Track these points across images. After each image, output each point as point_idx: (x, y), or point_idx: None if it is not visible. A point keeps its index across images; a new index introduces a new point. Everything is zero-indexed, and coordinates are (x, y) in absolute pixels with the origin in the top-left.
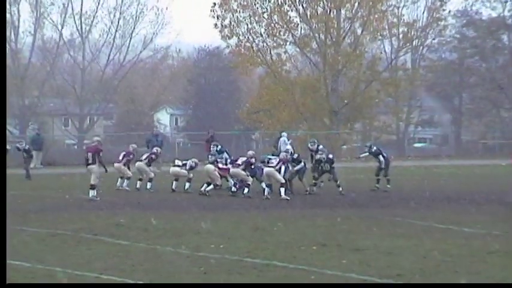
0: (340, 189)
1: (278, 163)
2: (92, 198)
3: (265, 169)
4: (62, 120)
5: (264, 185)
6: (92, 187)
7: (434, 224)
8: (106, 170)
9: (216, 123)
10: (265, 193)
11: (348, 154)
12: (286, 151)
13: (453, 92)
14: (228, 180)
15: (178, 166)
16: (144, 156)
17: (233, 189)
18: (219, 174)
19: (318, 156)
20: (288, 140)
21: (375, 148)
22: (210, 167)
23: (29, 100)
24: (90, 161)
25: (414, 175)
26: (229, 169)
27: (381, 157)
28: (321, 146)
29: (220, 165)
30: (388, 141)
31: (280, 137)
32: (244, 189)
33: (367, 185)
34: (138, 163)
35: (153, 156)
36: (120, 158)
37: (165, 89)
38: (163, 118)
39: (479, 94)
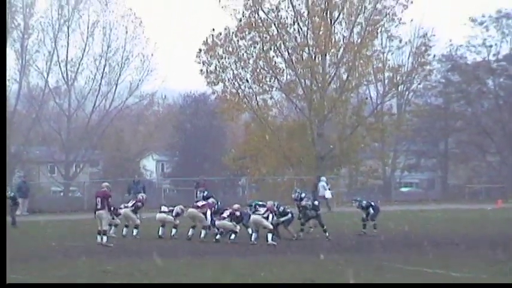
0: (327, 234)
1: (266, 212)
2: (106, 243)
3: (253, 216)
4: (48, 167)
5: (250, 230)
6: (104, 233)
7: (422, 269)
8: (113, 217)
9: (202, 170)
10: (252, 239)
11: (334, 199)
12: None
13: (439, 137)
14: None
15: (165, 212)
16: (130, 203)
17: (217, 237)
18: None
19: (303, 203)
20: (327, 184)
21: (364, 202)
22: (194, 210)
23: (15, 147)
24: (99, 207)
25: (401, 220)
26: (208, 204)
27: (370, 209)
28: (303, 194)
29: (199, 203)
30: (374, 186)
31: (319, 181)
32: (230, 235)
33: (353, 230)
34: (124, 210)
35: (139, 203)
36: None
37: (151, 136)
38: (150, 164)
39: (465, 138)
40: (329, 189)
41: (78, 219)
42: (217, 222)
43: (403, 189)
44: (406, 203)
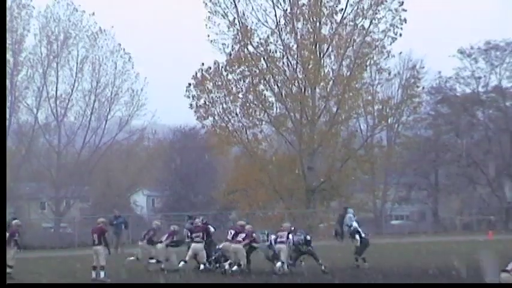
0: (323, 267)
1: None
2: (103, 279)
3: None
4: (38, 203)
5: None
6: (102, 268)
7: None
8: (109, 252)
9: (192, 204)
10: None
11: (325, 233)
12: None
13: (429, 169)
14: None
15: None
16: (164, 238)
17: (226, 267)
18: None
19: (295, 239)
20: (354, 216)
21: (352, 228)
22: (199, 246)
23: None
24: (96, 242)
25: (392, 252)
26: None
27: (357, 236)
28: (292, 228)
29: (240, 238)
30: (365, 219)
31: (346, 213)
32: (233, 267)
33: (345, 263)
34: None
35: (152, 232)
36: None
37: (141, 171)
38: (140, 199)
39: (455, 170)
40: (356, 221)
41: (69, 256)
42: (232, 246)
43: (394, 222)
44: (397, 236)
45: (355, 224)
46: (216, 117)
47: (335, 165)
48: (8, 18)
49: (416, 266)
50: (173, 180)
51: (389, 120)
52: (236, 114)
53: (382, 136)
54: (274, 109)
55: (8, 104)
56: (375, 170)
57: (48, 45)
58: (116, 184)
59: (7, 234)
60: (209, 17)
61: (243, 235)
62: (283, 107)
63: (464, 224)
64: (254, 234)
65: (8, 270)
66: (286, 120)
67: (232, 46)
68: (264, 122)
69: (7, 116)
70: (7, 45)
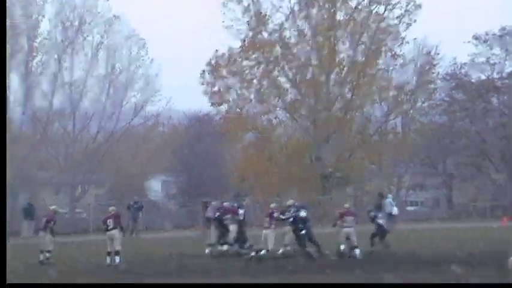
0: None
1: None
2: (118, 264)
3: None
4: (53, 189)
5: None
6: (117, 253)
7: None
8: (123, 235)
9: (207, 190)
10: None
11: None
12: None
13: (444, 155)
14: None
15: None
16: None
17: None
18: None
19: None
20: (394, 201)
21: (373, 214)
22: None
23: (20, 170)
24: (111, 226)
25: (407, 238)
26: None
27: (380, 221)
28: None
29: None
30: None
31: (386, 198)
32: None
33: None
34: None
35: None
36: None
37: (155, 156)
38: (155, 185)
39: (469, 157)
40: (396, 206)
41: (84, 241)
42: (264, 231)
43: (409, 208)
44: (412, 222)
45: (395, 209)
46: (231, 104)
47: (349, 151)
48: (23, 4)
49: (429, 253)
50: (188, 166)
51: (404, 107)
52: (250, 100)
53: (396, 122)
54: (289, 95)
55: (23, 90)
56: (389, 156)
57: (63, 30)
58: (131, 170)
59: (43, 220)
60: (224, 2)
61: (268, 219)
62: (297, 93)
63: (478, 210)
64: (275, 214)
65: (47, 255)
66: (300, 106)
67: (247, 32)
68: (278, 108)
69: (22, 102)
70: (22, 30)
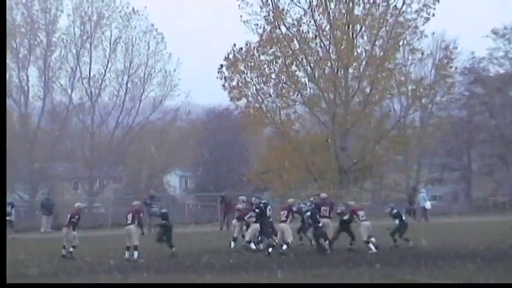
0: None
1: None
2: (137, 259)
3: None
4: (71, 183)
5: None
6: (135, 248)
7: (444, 281)
8: (143, 232)
9: (225, 185)
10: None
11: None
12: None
13: (462, 149)
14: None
15: None
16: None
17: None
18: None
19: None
20: (427, 196)
21: (395, 211)
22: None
23: (39, 164)
24: (129, 221)
25: (425, 233)
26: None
27: (396, 221)
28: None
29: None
30: (398, 200)
31: (420, 193)
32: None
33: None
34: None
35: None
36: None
37: (174, 151)
38: (173, 180)
39: (488, 151)
40: (429, 201)
41: (103, 235)
42: (279, 225)
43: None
44: (430, 216)
45: (428, 204)
46: (250, 98)
47: (368, 145)
48: None
49: (447, 247)
50: (206, 161)
51: (422, 101)
52: (269, 95)
53: (415, 117)
54: (307, 90)
55: (41, 84)
56: (408, 150)
57: (81, 25)
58: (149, 164)
59: (68, 216)
60: None
61: (285, 212)
62: (316, 87)
63: (497, 204)
64: (294, 208)
65: (71, 249)
66: (319, 100)
67: (265, 27)
68: (297, 103)
69: (41, 96)
70: (40, 25)
